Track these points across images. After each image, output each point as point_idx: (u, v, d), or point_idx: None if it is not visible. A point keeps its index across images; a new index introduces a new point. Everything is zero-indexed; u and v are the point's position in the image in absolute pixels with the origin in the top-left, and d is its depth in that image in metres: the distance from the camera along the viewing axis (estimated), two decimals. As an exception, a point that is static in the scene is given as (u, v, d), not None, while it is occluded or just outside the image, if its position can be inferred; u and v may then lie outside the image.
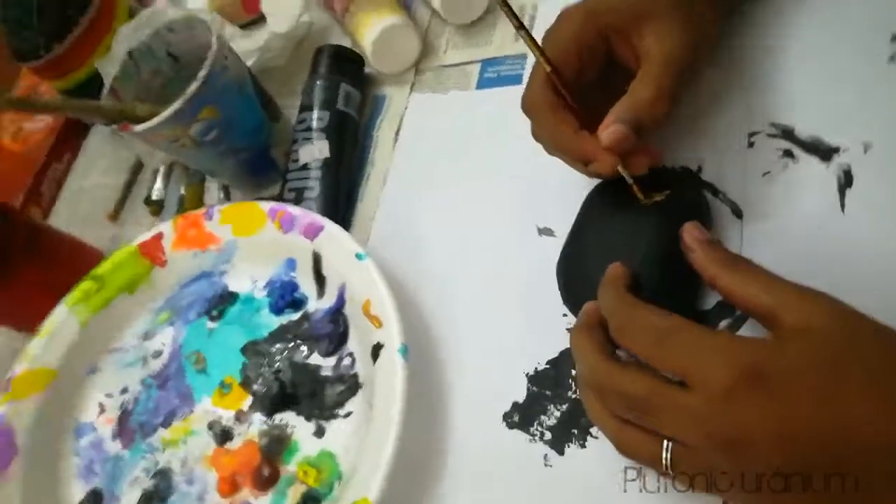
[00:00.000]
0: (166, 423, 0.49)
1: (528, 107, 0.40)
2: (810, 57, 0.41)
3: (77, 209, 0.70)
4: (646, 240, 0.37)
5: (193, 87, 0.47)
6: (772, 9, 0.43)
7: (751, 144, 0.40)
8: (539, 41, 0.38)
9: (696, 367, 0.28)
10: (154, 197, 0.64)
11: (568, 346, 0.40)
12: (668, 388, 0.29)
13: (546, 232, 0.44)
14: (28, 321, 0.54)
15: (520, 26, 0.36)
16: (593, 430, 0.38)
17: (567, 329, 0.40)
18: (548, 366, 0.40)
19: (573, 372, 0.39)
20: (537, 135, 0.40)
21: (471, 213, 0.48)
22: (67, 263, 0.59)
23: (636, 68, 0.38)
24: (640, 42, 0.37)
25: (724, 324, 0.37)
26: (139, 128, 0.48)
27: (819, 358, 0.27)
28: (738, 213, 0.39)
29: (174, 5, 0.61)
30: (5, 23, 0.62)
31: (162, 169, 0.65)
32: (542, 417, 0.39)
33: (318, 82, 0.54)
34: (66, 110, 0.49)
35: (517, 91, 0.48)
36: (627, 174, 0.37)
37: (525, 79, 0.49)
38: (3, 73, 0.81)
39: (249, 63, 0.59)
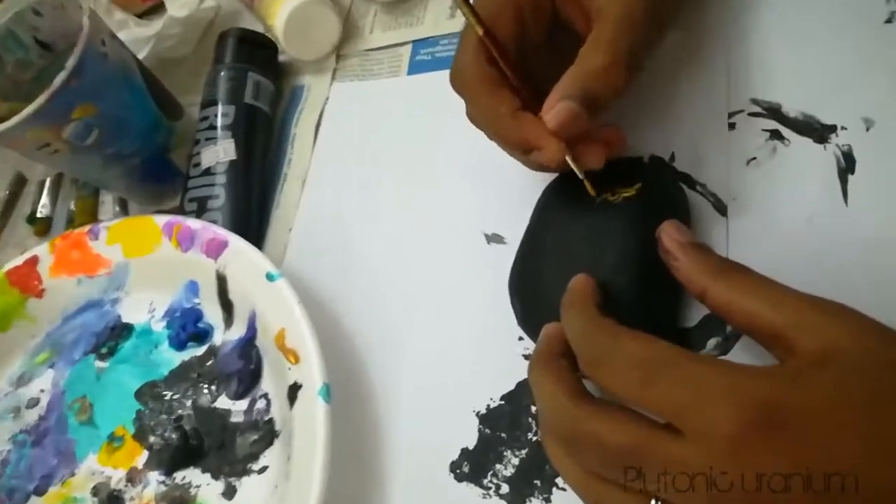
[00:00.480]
0: (41, 490, 0.40)
1: (457, 82, 0.33)
2: (796, 20, 0.35)
3: (-47, 231, 0.60)
4: (614, 245, 0.30)
5: (60, 78, 0.39)
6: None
7: (731, 126, 0.34)
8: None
9: (693, 410, 0.22)
10: (39, 214, 0.56)
11: (526, 376, 0.33)
12: (658, 437, 0.23)
13: (495, 239, 0.37)
14: None
15: None
16: (560, 480, 0.31)
17: (524, 356, 0.34)
18: (502, 402, 0.33)
19: (534, 408, 0.32)
20: (472, 117, 0.33)
21: (406, 220, 0.41)
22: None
23: (587, 32, 0.31)
24: None
25: (711, 343, 0.30)
26: (-6, 130, 0.39)
27: (851, 389, 0.21)
28: (720, 208, 0.32)
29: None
30: None
31: (48, 181, 0.56)
32: (498, 466, 0.32)
33: (221, 73, 0.46)
34: None
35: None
36: (577, 166, 0.30)
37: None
38: None
39: (144, 53, 0.51)
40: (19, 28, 0.45)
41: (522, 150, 0.31)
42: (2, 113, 0.41)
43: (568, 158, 0.30)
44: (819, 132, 0.32)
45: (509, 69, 0.31)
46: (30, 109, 0.39)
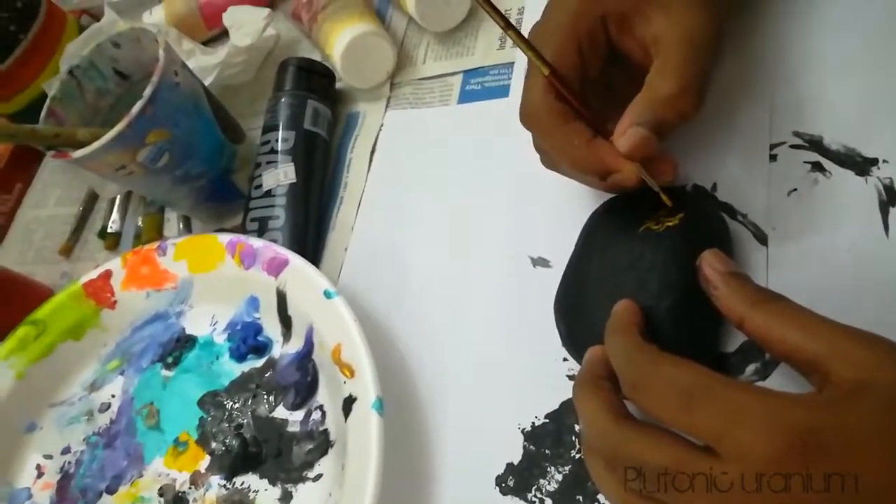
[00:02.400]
0: (112, 489, 0.43)
1: (529, 119, 0.34)
2: (839, 53, 0.36)
3: (29, 244, 0.65)
4: (657, 273, 0.31)
5: (138, 106, 0.42)
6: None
7: (773, 157, 0.35)
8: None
9: (731, 434, 0.23)
10: (110, 229, 0.59)
11: (570, 396, 0.34)
12: (698, 459, 0.24)
13: (541, 262, 0.39)
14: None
15: (507, 26, 0.31)
16: (601, 497, 0.32)
17: (568, 376, 0.35)
18: (547, 420, 0.35)
19: (577, 427, 0.34)
20: (544, 149, 0.35)
21: (455, 243, 0.43)
22: (13, 305, 0.54)
23: (644, 61, 0.32)
24: (647, 28, 0.32)
25: (750, 368, 0.31)
26: (77, 154, 0.43)
27: (887, 419, 0.22)
28: (761, 238, 0.33)
29: (127, 21, 0.56)
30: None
31: (118, 199, 0.60)
32: (542, 481, 0.33)
33: (282, 99, 0.49)
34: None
35: (503, 105, 0.43)
36: (652, 181, 0.32)
37: (512, 91, 0.45)
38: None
39: (209, 80, 0.54)
40: (99, 59, 0.48)
41: (599, 175, 0.32)
42: (84, 138, 0.45)
43: (644, 176, 0.32)
44: (861, 165, 0.33)
45: (578, 102, 0.32)
46: (111, 135, 0.42)
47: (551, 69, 0.32)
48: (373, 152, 0.49)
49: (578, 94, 0.33)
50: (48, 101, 0.47)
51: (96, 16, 0.66)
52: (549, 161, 0.36)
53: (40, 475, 0.45)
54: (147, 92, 0.43)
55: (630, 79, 0.32)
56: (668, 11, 0.31)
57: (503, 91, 0.45)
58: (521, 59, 0.45)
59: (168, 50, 0.44)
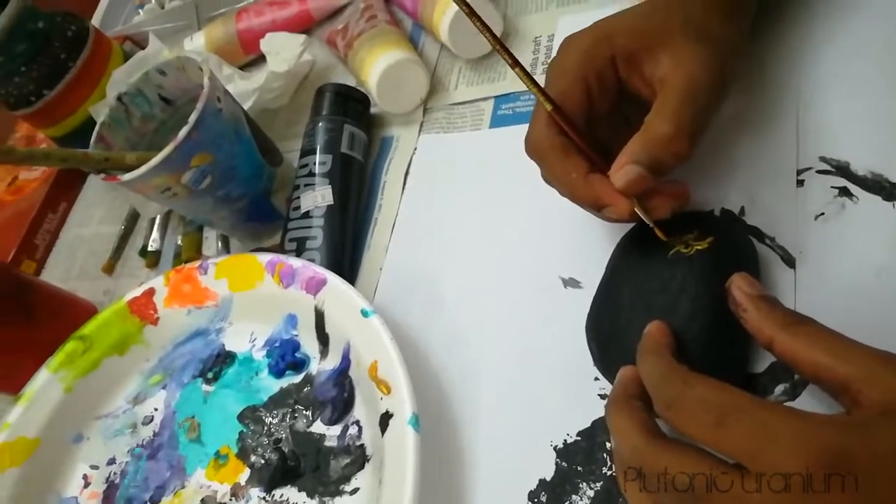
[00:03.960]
0: (156, 499, 0.44)
1: (532, 150, 0.36)
2: (866, 79, 0.36)
3: (73, 261, 0.67)
4: (688, 295, 0.32)
5: (184, 131, 0.44)
6: (813, 24, 0.39)
7: (800, 183, 0.36)
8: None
9: (764, 452, 0.24)
10: (150, 248, 0.61)
11: (601, 415, 0.35)
12: (732, 477, 0.24)
13: (572, 283, 0.40)
14: (18, 384, 0.50)
15: (514, 63, 0.33)
16: (633, 513, 0.33)
17: (600, 395, 0.36)
18: (578, 437, 0.36)
19: (608, 445, 0.35)
20: (547, 179, 0.37)
21: (488, 263, 0.44)
22: (59, 320, 0.56)
23: (652, 98, 0.34)
24: (654, 69, 0.33)
25: (779, 389, 0.32)
26: (126, 177, 0.45)
27: None
28: (789, 262, 0.34)
29: (169, 47, 0.58)
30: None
31: (158, 218, 0.62)
32: (574, 498, 0.34)
33: (320, 124, 0.51)
34: (50, 161, 0.45)
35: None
36: (647, 216, 0.33)
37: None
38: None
39: (248, 104, 0.56)
40: (146, 86, 0.50)
41: (595, 207, 0.34)
42: (132, 161, 0.47)
43: (638, 210, 0.33)
44: (888, 190, 0.34)
45: (578, 138, 0.34)
46: (158, 159, 0.44)
47: (554, 106, 0.33)
48: (406, 175, 0.50)
49: (581, 130, 0.34)
50: (97, 126, 0.49)
51: (139, 42, 0.68)
52: (557, 190, 0.37)
53: (87, 485, 0.47)
54: (192, 118, 0.44)
55: (645, 116, 0.34)
56: (675, 54, 0.33)
57: (534, 116, 0.47)
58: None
59: (212, 78, 0.46)
